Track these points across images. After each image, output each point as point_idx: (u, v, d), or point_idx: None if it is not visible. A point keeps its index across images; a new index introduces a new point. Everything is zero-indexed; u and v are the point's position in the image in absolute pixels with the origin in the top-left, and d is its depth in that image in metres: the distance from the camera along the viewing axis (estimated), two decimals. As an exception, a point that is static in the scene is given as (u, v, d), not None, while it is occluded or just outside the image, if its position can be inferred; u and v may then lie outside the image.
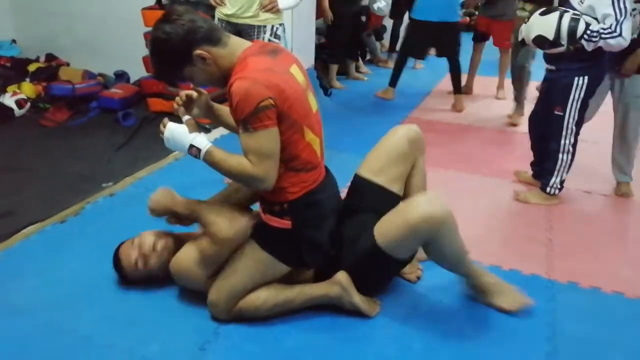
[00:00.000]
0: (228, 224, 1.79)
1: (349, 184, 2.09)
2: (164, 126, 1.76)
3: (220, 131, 3.60)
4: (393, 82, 4.79)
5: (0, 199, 2.67)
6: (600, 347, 1.85)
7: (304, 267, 1.90)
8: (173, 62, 1.67)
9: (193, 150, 1.71)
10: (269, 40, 2.69)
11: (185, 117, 1.77)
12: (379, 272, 1.92)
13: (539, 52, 2.93)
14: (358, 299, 1.88)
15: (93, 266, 2.14)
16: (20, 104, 3.90)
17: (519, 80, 4.23)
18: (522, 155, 3.56)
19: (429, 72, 6.03)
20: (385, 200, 1.99)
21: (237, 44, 1.71)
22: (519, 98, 4.27)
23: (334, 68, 5.13)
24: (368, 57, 6.30)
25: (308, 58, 4.51)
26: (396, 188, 2.03)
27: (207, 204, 1.91)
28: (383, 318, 1.93)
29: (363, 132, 3.84)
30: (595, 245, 2.51)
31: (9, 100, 3.88)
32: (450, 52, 4.51)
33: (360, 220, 1.94)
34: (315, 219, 1.81)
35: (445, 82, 5.28)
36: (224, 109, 1.92)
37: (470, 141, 3.88)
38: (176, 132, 1.73)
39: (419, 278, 2.14)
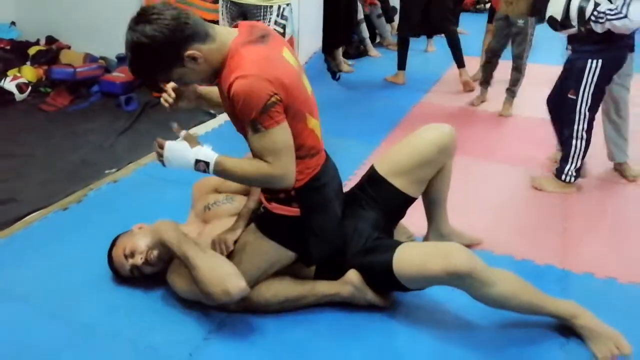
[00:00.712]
0: (221, 291, 1.71)
1: (356, 171, 2.08)
2: (161, 147, 1.66)
3: (225, 116, 3.61)
4: (401, 64, 4.76)
5: (1, 185, 2.70)
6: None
7: (307, 259, 1.88)
8: (159, 68, 1.56)
9: (200, 165, 1.64)
10: (276, 21, 2.68)
11: (182, 133, 1.68)
12: (384, 287, 1.90)
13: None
14: (372, 295, 1.88)
15: (96, 254, 2.14)
16: (21, 88, 3.92)
17: (492, 65, 4.16)
18: (537, 140, 3.56)
19: (442, 54, 5.97)
20: (398, 201, 1.99)
21: (224, 35, 1.62)
22: (488, 81, 4.23)
23: (339, 50, 5.10)
24: (378, 39, 6.27)
25: (316, 40, 4.48)
26: (413, 191, 2.00)
27: (200, 249, 1.80)
28: (391, 310, 1.94)
29: (372, 119, 3.83)
30: (611, 235, 2.50)
31: (9, 84, 3.90)
32: (444, 25, 4.45)
33: (366, 217, 1.93)
34: (322, 203, 1.81)
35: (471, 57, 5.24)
36: (212, 90, 1.84)
37: (483, 126, 3.86)
38: (176, 151, 1.65)
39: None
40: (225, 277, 1.71)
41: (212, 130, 3.43)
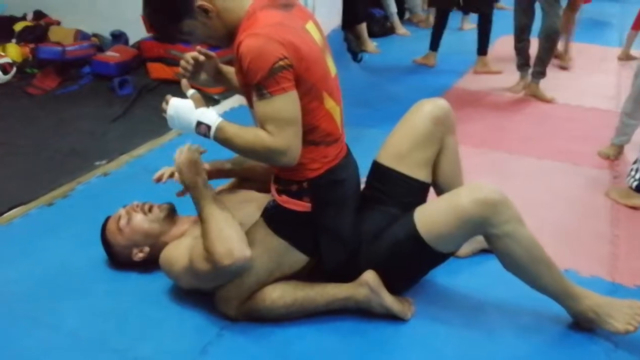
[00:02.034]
0: (224, 250, 1.73)
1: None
2: (167, 103, 1.74)
3: (230, 103, 3.65)
4: (433, 44, 4.74)
5: (-21, 177, 2.76)
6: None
7: (320, 263, 1.90)
8: (171, 15, 1.68)
9: (202, 128, 1.69)
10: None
11: (190, 92, 1.75)
12: (414, 267, 1.92)
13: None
14: (390, 300, 1.89)
15: (82, 254, 2.20)
16: (4, 68, 3.99)
17: (525, 44, 4.13)
18: (585, 134, 3.52)
19: (498, 20, 5.88)
20: (411, 190, 2.00)
21: None
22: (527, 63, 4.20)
23: (363, 27, 5.08)
24: (407, 15, 6.24)
25: (334, 17, 4.48)
26: (422, 175, 2.02)
27: (216, 205, 1.84)
28: (412, 322, 1.94)
29: (397, 105, 3.74)
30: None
31: (-9, 64, 3.98)
32: (483, 5, 4.42)
33: (382, 214, 1.94)
34: (337, 201, 1.82)
35: (499, 45, 5.21)
36: (233, 72, 1.91)
37: (523, 117, 3.83)
38: (180, 108, 1.72)
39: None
40: (233, 238, 1.74)
41: (216, 118, 3.45)
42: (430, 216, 1.82)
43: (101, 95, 3.81)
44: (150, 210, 2.06)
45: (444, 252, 1.86)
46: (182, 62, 1.87)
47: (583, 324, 1.90)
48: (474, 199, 1.75)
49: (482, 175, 2.96)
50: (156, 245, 2.03)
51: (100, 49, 4.37)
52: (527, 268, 1.83)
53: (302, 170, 1.75)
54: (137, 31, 4.17)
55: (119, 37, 4.51)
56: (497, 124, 3.66)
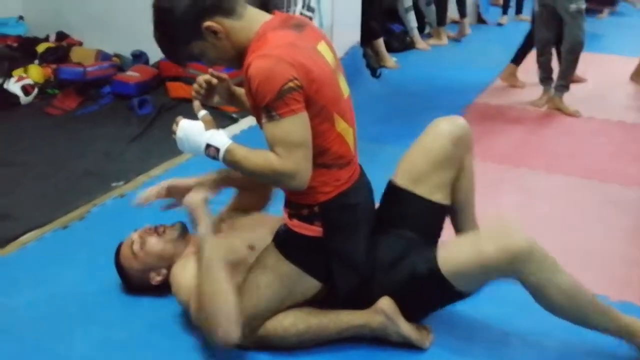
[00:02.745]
0: (209, 331, 1.73)
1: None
2: (177, 124, 1.71)
3: (248, 122, 3.59)
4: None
5: (-3, 199, 2.73)
6: None
7: (333, 290, 1.82)
8: (180, 37, 1.64)
9: (211, 150, 1.65)
10: (301, 13, 2.64)
11: (201, 113, 1.72)
12: (432, 301, 1.84)
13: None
14: (407, 329, 1.80)
15: (95, 280, 2.15)
16: (26, 90, 4.00)
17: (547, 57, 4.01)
18: (612, 149, 3.41)
19: (514, 31, 5.77)
20: (428, 213, 1.91)
21: (254, 16, 1.68)
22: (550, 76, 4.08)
23: (381, 43, 5.03)
24: (427, 30, 6.16)
25: (353, 34, 4.42)
26: (440, 197, 1.93)
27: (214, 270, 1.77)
28: (432, 352, 1.84)
29: (415, 122, 3.65)
30: None
31: (14, 86, 3.98)
32: None
33: (398, 238, 1.86)
34: (349, 225, 1.76)
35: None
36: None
37: (548, 132, 3.73)
38: (190, 130, 1.68)
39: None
40: (221, 322, 1.69)
41: (234, 137, 3.38)
42: (454, 258, 1.73)
43: (120, 115, 3.79)
44: (163, 232, 2.02)
45: (466, 292, 1.78)
46: (195, 86, 1.84)
47: None
48: (500, 248, 1.66)
49: (505, 193, 2.87)
50: (172, 267, 1.97)
51: (121, 68, 4.37)
52: (569, 314, 1.73)
53: (313, 194, 1.69)
54: (157, 51, 4.08)
55: (139, 57, 4.51)
56: (521, 139, 3.56)
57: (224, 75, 1.86)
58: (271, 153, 1.59)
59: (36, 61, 4.39)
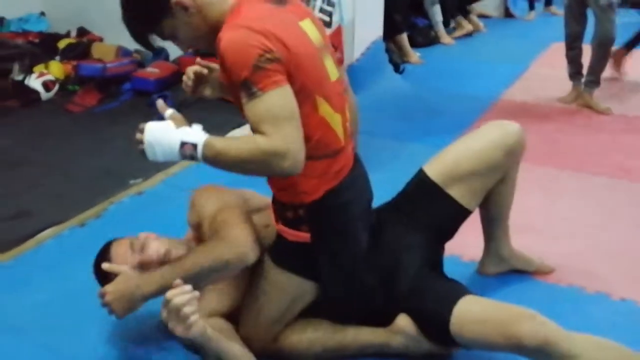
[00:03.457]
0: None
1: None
2: (141, 131, 1.50)
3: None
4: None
5: (15, 196, 2.76)
6: None
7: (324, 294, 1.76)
8: (149, 16, 1.54)
9: (186, 148, 1.44)
10: (321, 8, 2.59)
11: (168, 111, 1.54)
12: (431, 338, 1.74)
13: None
14: (430, 344, 1.73)
15: (110, 279, 2.14)
16: (47, 86, 4.04)
17: (577, 51, 3.90)
18: (643, 148, 3.32)
19: (543, 25, 5.65)
20: (453, 216, 1.84)
21: None
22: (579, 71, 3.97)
23: (404, 38, 4.97)
24: (452, 24, 6.07)
25: (375, 28, 4.37)
26: (471, 203, 1.84)
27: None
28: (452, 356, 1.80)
29: (440, 118, 3.67)
30: None
31: (34, 81, 4.03)
32: None
33: (412, 244, 1.78)
34: (340, 229, 1.64)
35: (551, 53, 5.02)
36: None
37: (576, 129, 3.63)
38: (158, 131, 1.48)
39: None
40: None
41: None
42: (468, 322, 1.60)
43: (140, 112, 3.77)
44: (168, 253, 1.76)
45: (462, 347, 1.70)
46: (184, 77, 1.77)
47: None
48: (506, 339, 1.53)
49: (532, 193, 2.80)
50: None
51: (141, 64, 4.38)
52: None
53: (296, 193, 1.57)
54: (177, 47, 4.15)
55: (159, 53, 4.50)
56: (548, 137, 3.47)
57: (214, 64, 1.74)
58: (256, 135, 1.41)
59: (57, 57, 4.43)
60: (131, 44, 4.51)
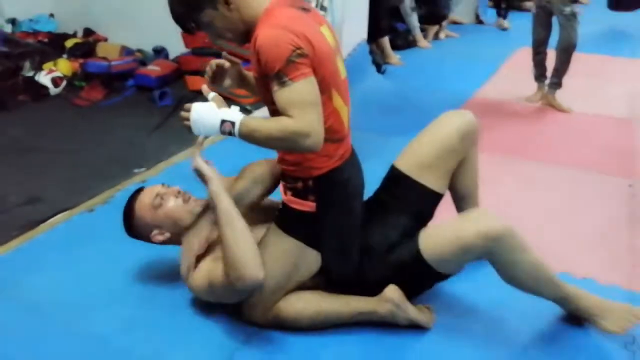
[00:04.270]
0: (236, 276, 1.64)
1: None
2: (187, 110, 1.64)
3: (260, 113, 3.55)
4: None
5: (27, 183, 2.71)
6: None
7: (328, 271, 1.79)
8: (194, 2, 1.60)
9: (226, 125, 1.59)
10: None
11: (211, 94, 1.68)
12: (418, 284, 1.82)
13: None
14: (414, 313, 1.77)
15: (119, 261, 2.12)
16: (55, 82, 3.97)
17: (542, 56, 3.89)
18: (604, 143, 3.35)
19: (512, 34, 5.65)
20: (425, 200, 1.88)
21: None
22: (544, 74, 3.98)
23: (386, 41, 4.95)
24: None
25: (360, 31, 4.35)
26: (439, 187, 1.90)
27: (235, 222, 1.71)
28: (433, 330, 1.82)
29: (419, 114, 3.59)
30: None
31: (44, 78, 3.96)
32: None
33: (394, 223, 1.82)
34: (341, 200, 1.73)
35: (517, 57, 5.03)
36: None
37: (544, 126, 3.64)
38: (204, 110, 1.62)
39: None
40: (247, 261, 1.62)
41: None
42: (435, 242, 1.72)
43: (142, 106, 3.76)
44: (188, 199, 1.88)
45: (446, 274, 1.76)
46: (207, 69, 1.80)
47: (575, 321, 1.84)
48: (478, 231, 1.65)
49: (507, 183, 2.82)
50: (179, 235, 1.87)
51: (143, 63, 4.32)
52: (530, 287, 1.75)
53: (307, 168, 1.67)
54: (177, 46, 4.14)
55: (160, 52, 4.47)
56: (519, 133, 3.49)
57: (236, 59, 1.82)
58: (284, 117, 1.53)
59: (65, 55, 4.36)
60: (134, 44, 4.52)
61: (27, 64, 4.05)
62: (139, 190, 1.95)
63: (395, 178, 1.91)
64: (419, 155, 1.89)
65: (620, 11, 6.22)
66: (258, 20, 1.59)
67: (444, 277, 1.78)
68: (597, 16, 5.86)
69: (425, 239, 1.73)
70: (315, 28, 1.63)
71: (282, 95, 1.52)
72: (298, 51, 1.50)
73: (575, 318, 1.83)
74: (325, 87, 1.60)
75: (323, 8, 2.63)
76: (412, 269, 1.74)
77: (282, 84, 1.51)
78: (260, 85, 1.64)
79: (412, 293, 1.82)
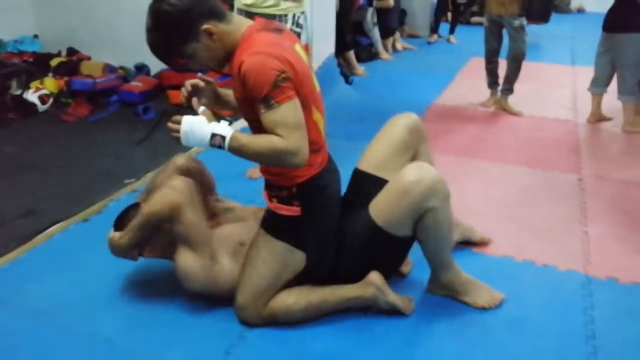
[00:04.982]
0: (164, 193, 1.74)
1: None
2: (177, 122, 1.61)
3: (240, 124, 3.54)
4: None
5: (22, 197, 2.64)
6: (643, 347, 1.74)
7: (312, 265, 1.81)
8: (177, 38, 1.56)
9: (216, 139, 1.58)
10: (291, 29, 2.59)
11: (201, 108, 1.66)
12: (386, 255, 1.85)
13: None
14: (394, 297, 1.82)
15: (116, 266, 2.08)
16: (43, 99, 3.87)
17: (520, 68, 3.90)
18: (552, 142, 3.46)
19: (465, 46, 5.72)
20: None
21: (240, 21, 1.66)
22: (496, 81, 4.07)
23: (352, 54, 5.00)
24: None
25: (328, 45, 4.39)
26: None
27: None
28: (413, 319, 1.85)
29: (386, 121, 3.70)
30: (634, 238, 2.37)
31: (32, 96, 3.86)
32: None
33: (361, 215, 1.84)
34: (323, 205, 1.75)
35: (471, 65, 5.14)
36: (230, 94, 1.81)
37: (499, 129, 3.73)
38: (194, 123, 1.59)
39: (409, 272, 2.06)
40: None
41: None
42: (382, 204, 1.75)
43: (127, 121, 3.70)
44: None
45: (400, 236, 1.77)
46: (182, 89, 1.77)
47: (445, 295, 1.91)
48: (412, 180, 1.69)
49: (466, 181, 2.88)
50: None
51: (126, 79, 4.25)
52: (440, 241, 1.79)
53: (291, 177, 1.68)
54: (158, 62, 3.99)
55: (141, 69, 4.40)
56: (477, 135, 3.57)
57: (210, 78, 1.80)
58: (273, 135, 1.54)
59: (50, 74, 4.25)
60: (116, 62, 4.46)
61: (14, 83, 3.94)
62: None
63: (359, 179, 1.94)
64: (376, 155, 1.94)
65: (533, 24, 6.38)
66: (237, 45, 1.59)
67: (400, 242, 1.79)
68: (533, 29, 6.00)
69: (374, 207, 1.77)
70: (291, 49, 1.63)
71: (270, 117, 1.53)
72: (283, 75, 1.51)
73: (447, 290, 1.90)
74: (307, 104, 1.62)
75: (299, 25, 2.64)
76: (372, 240, 1.77)
77: (270, 106, 1.52)
78: (243, 104, 1.64)
79: (386, 268, 1.85)
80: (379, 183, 1.87)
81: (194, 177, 1.95)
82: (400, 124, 1.96)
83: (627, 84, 3.55)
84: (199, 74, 1.79)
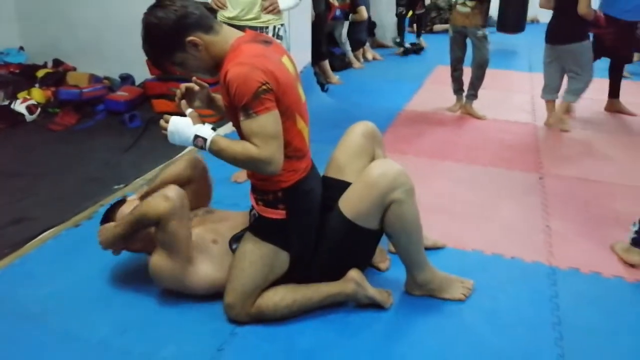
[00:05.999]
0: (159, 199, 1.72)
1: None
2: (166, 121, 1.64)
3: (223, 130, 3.50)
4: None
5: (14, 204, 2.56)
6: (605, 331, 1.78)
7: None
8: (165, 48, 1.60)
9: (199, 141, 1.60)
10: (270, 41, 2.58)
11: (188, 110, 1.67)
12: (357, 248, 1.83)
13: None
14: (373, 291, 1.82)
15: (108, 270, 2.04)
16: (30, 109, 3.77)
17: (484, 74, 3.92)
18: (513, 143, 3.51)
19: (430, 54, 5.78)
20: None
21: (229, 32, 1.65)
22: (461, 87, 4.13)
23: (326, 63, 4.99)
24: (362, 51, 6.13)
25: (304, 56, 4.38)
26: None
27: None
28: (393, 312, 1.85)
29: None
30: (592, 230, 2.42)
31: (19, 106, 3.75)
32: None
33: (332, 213, 1.83)
34: (306, 207, 1.75)
35: (437, 73, 5.18)
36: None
37: (465, 132, 3.77)
38: (180, 124, 1.62)
39: (387, 268, 2.06)
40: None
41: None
42: (350, 199, 1.75)
43: (114, 129, 3.62)
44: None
45: (370, 228, 1.76)
46: (177, 91, 1.77)
47: (416, 292, 1.91)
48: (377, 173, 1.70)
49: (437, 181, 2.90)
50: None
51: (111, 89, 4.17)
52: (409, 234, 1.77)
53: (276, 182, 1.68)
54: (142, 73, 4.04)
55: (126, 79, 4.32)
56: (444, 138, 3.60)
57: (204, 83, 1.81)
58: (249, 143, 1.55)
59: (37, 85, 4.14)
60: (101, 72, 4.37)
61: (1, 94, 3.84)
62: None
63: (326, 184, 1.93)
64: (337, 160, 1.96)
65: (504, 33, 6.50)
66: (225, 55, 1.60)
67: (370, 234, 1.77)
68: (496, 39, 6.11)
69: (343, 202, 1.76)
70: (278, 60, 1.62)
71: (248, 126, 1.54)
72: (264, 87, 1.50)
73: (423, 289, 1.88)
74: (290, 114, 1.62)
75: (279, 37, 2.64)
76: (343, 233, 1.75)
77: (248, 116, 1.52)
78: (229, 111, 1.65)
79: (358, 261, 1.85)
80: (340, 185, 1.88)
81: (194, 182, 1.99)
82: (356, 132, 1.99)
83: (574, 86, 3.66)
84: (194, 78, 1.78)
